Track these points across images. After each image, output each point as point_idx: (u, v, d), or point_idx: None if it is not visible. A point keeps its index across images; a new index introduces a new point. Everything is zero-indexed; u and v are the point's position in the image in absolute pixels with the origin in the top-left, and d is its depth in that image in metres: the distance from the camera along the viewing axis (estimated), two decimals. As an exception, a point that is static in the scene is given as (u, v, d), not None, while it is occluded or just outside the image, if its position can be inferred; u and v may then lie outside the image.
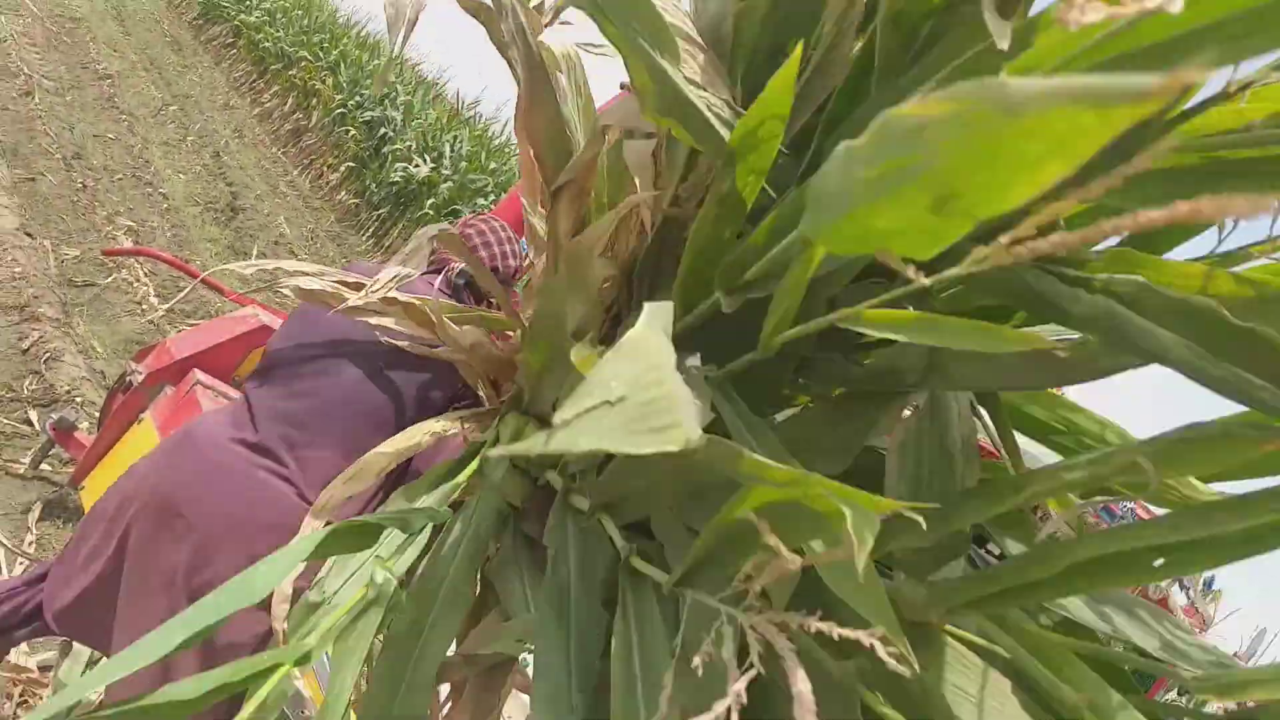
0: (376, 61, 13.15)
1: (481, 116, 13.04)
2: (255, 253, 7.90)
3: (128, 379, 3.48)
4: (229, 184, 9.13)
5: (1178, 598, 3.43)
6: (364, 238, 11.32)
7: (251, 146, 11.68)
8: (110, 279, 5.49)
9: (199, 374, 3.44)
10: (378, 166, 11.81)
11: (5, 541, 3.21)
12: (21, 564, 3.17)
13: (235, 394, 3.59)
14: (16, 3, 10.38)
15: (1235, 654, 3.79)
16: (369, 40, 13.95)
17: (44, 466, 3.58)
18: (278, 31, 13.49)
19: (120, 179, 7.28)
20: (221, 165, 9.55)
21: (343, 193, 11.98)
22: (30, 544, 3.27)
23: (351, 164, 12.01)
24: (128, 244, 5.99)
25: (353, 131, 12.10)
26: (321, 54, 13.12)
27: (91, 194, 6.53)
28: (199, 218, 7.75)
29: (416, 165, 11.39)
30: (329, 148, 12.52)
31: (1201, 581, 3.47)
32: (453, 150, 11.51)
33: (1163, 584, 3.03)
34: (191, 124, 10.23)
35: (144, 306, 5.36)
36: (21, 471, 3.54)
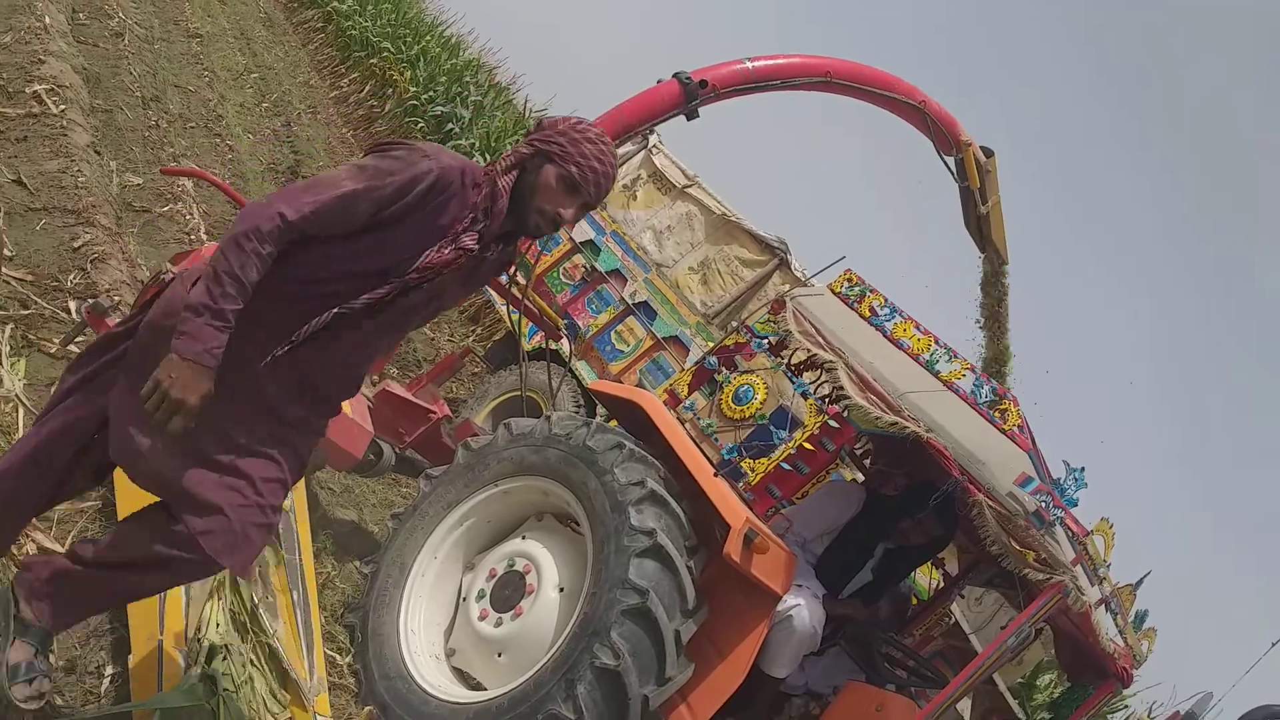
0: (454, 61, 13.63)
1: (546, 123, 13.40)
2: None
3: (162, 276, 3.77)
4: (294, 151, 9.55)
5: (1108, 629, 3.53)
6: (416, 223, 11.70)
7: (323, 124, 12.16)
8: (166, 208, 5.85)
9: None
10: (438, 155, 12.21)
11: (33, 409, 3.50)
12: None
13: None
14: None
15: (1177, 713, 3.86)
16: (452, 40, 14.46)
17: (72, 348, 3.88)
18: (366, 21, 14.03)
19: (192, 127, 7.70)
20: (290, 134, 9.98)
21: (403, 179, 12.39)
22: (49, 412, 3.56)
23: (414, 151, 12.43)
24: (189, 185, 6.37)
25: (421, 124, 12.54)
26: (404, 47, 13.62)
27: (163, 134, 6.94)
28: (260, 175, 8.14)
29: (476, 162, 11.79)
30: (397, 135, 12.97)
31: (1134, 614, 3.57)
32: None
33: (1087, 599, 3.15)
34: (269, 92, 10.72)
35: (192, 237, 5.70)
36: (53, 351, 3.84)
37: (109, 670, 2.76)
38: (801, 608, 3.58)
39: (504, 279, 4.57)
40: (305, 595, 3.42)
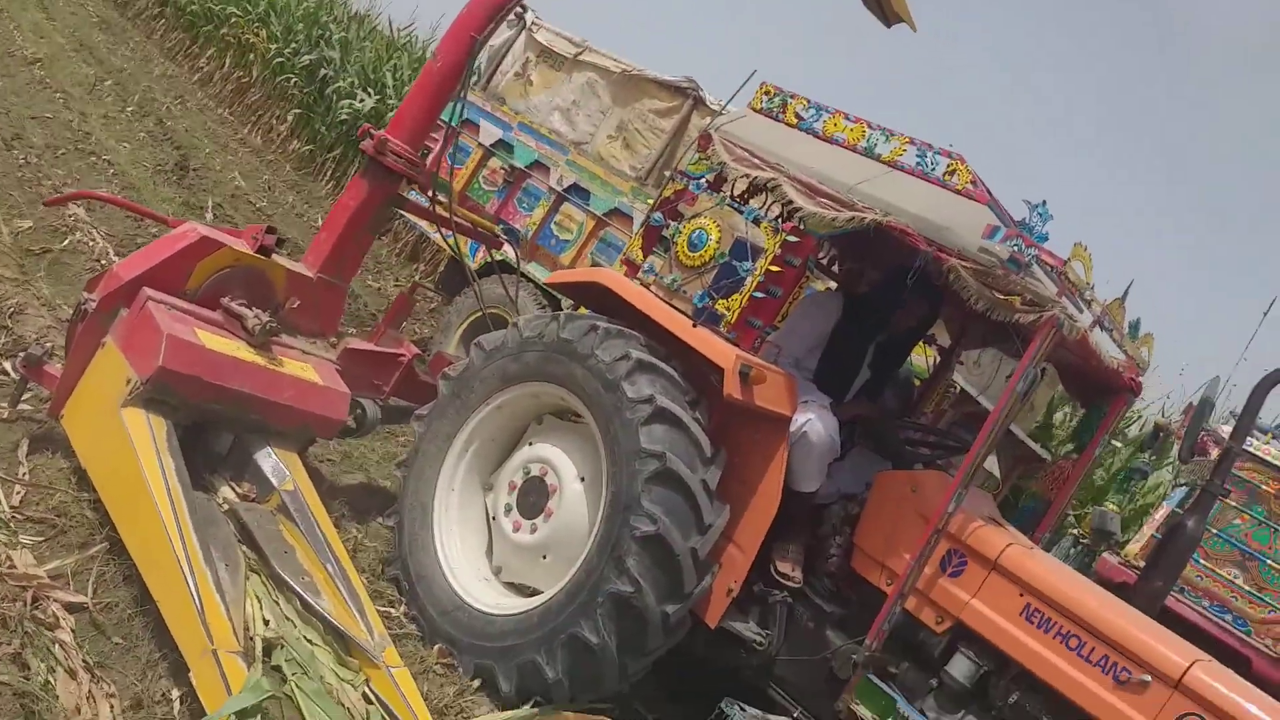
0: (306, 4, 12.94)
1: (418, 39, 12.86)
2: (210, 206, 7.97)
3: (83, 308, 3.63)
4: (176, 147, 9.12)
5: (1107, 347, 3.57)
6: (324, 182, 11.33)
7: (195, 111, 11.60)
8: (65, 243, 5.59)
9: (150, 291, 3.60)
10: (324, 109, 11.74)
11: (3, 475, 3.41)
12: (19, 493, 3.36)
13: (186, 305, 3.73)
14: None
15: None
16: (293, -16, 13.68)
17: (24, 406, 3.75)
18: (200, -7, 13.26)
19: (63, 154, 7.30)
20: (166, 130, 9.52)
21: (295, 141, 11.94)
22: (25, 474, 3.46)
23: (298, 111, 11.94)
24: (81, 212, 6.08)
25: (294, 79, 11.99)
26: (250, 7, 12.91)
27: (35, 169, 6.58)
28: (149, 180, 7.79)
29: (361, 100, 11.33)
30: (273, 100, 12.42)
31: (1127, 325, 3.61)
32: (394, 78, 11.42)
33: (1081, 324, 3.17)
34: (129, 95, 10.16)
35: (102, 262, 5.47)
36: (5, 415, 3.71)
37: (174, 694, 2.76)
38: (814, 420, 3.61)
39: (423, 201, 4.42)
40: (339, 564, 3.41)
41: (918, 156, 3.50)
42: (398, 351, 4.35)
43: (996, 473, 3.90)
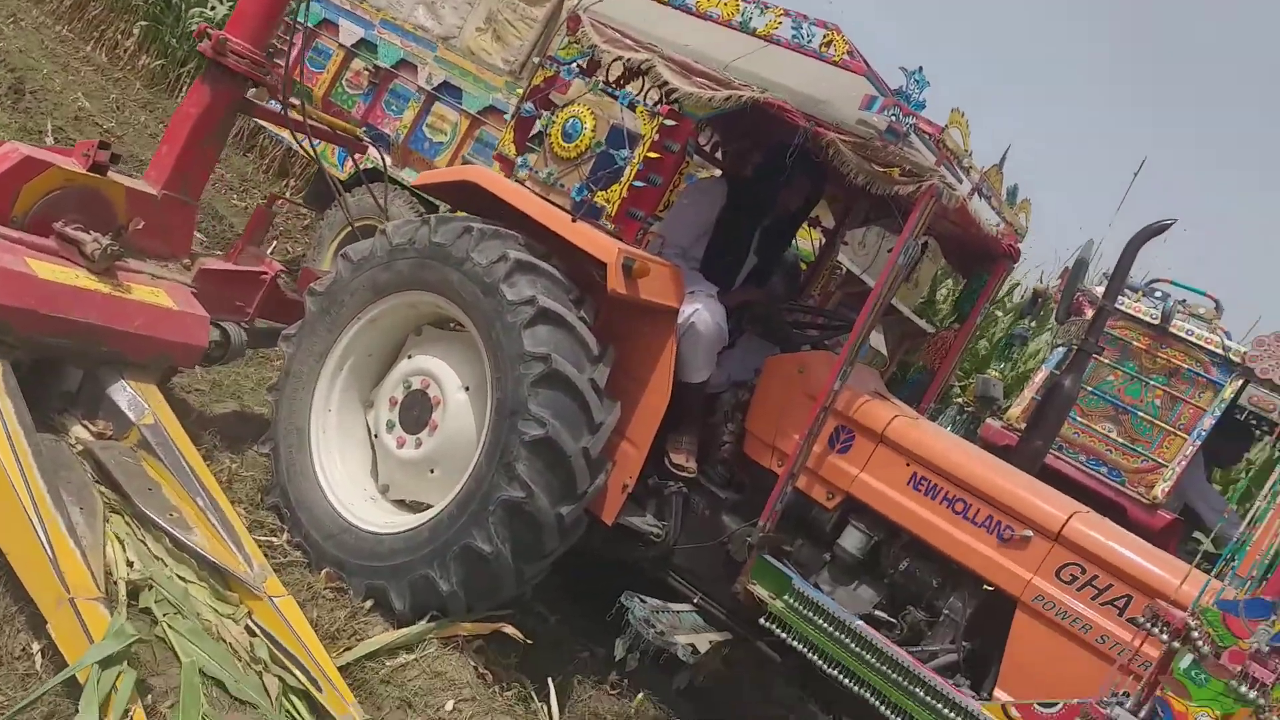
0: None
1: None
2: (50, 129, 7.35)
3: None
4: (10, 69, 8.34)
5: (986, 215, 3.57)
6: (179, 99, 10.57)
7: (31, 30, 10.61)
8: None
9: (-28, 219, 3.28)
10: (173, 20, 10.89)
11: None
12: None
13: (15, 234, 3.42)
14: None
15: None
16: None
17: None
18: (19, -105, 11.97)
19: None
20: (-1, 53, 8.69)
21: (144, 56, 11.07)
22: None
23: (145, 23, 11.05)
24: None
25: (141, -14, 11.05)
26: (78, -90, 11.75)
27: None
28: (-18, 105, 7.12)
29: (213, 8, 10.52)
30: (117, 13, 11.45)
31: (1005, 191, 3.61)
32: (246, -19, 10.61)
33: (959, 193, 3.14)
34: (-49, 17, 9.22)
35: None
36: None
37: (35, 648, 2.58)
38: (701, 310, 3.54)
39: (274, 105, 4.11)
40: (210, 497, 3.24)
41: (793, 29, 3.37)
42: (259, 270, 4.08)
43: (884, 350, 3.92)
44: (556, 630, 4.01)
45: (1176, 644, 2.47)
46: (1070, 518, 3.01)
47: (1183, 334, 4.99)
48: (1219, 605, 2.44)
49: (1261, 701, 2.38)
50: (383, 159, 4.66)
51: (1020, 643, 3.00)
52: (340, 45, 6.34)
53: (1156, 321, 4.99)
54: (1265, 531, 2.49)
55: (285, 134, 6.32)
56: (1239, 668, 2.40)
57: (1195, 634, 2.45)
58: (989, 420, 5.28)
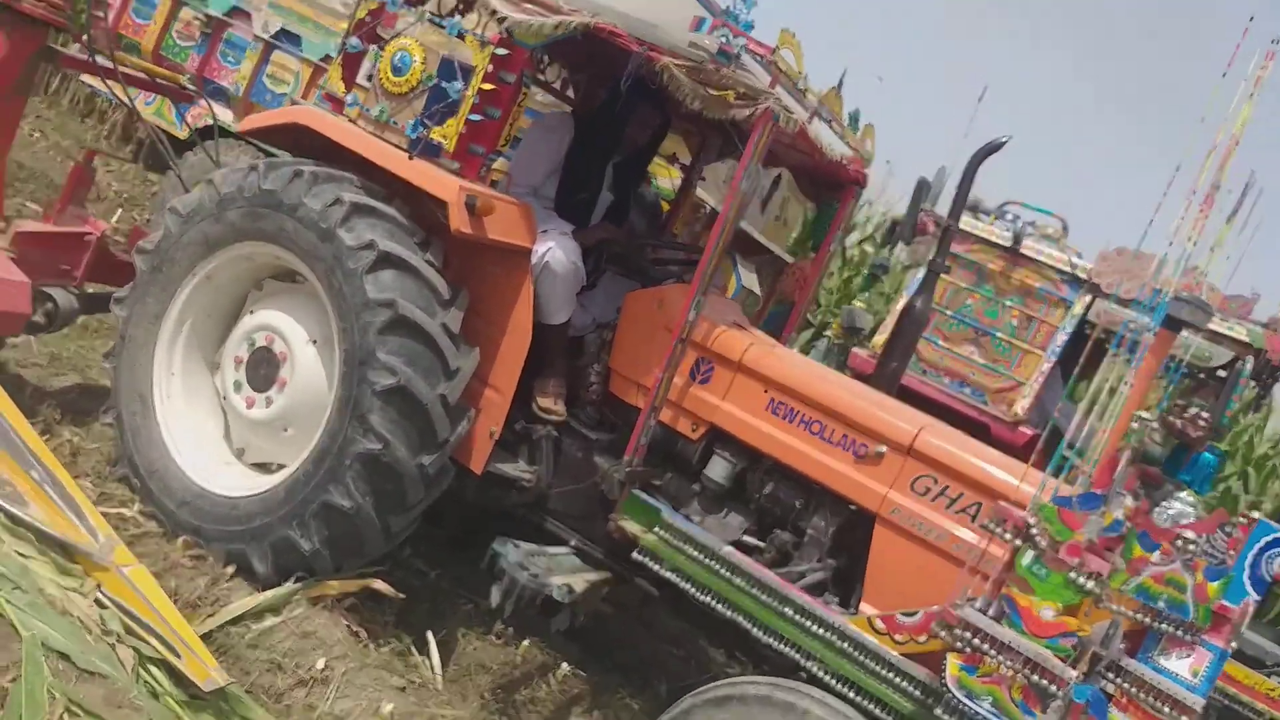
0: None
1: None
2: None
3: None
4: None
5: (828, 139, 3.60)
6: None
7: None
8: None
9: None
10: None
11: None
12: None
13: None
14: None
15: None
16: None
17: None
18: None
19: None
20: None
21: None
22: None
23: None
24: None
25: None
26: None
27: None
28: None
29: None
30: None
31: (846, 116, 3.65)
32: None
33: (798, 116, 3.15)
34: None
35: None
36: None
37: None
38: (554, 249, 3.48)
39: (87, 56, 3.81)
40: (47, 469, 3.07)
41: (627, -45, 3.30)
42: (82, 230, 3.82)
43: (757, 290, 3.94)
44: (436, 585, 3.96)
45: (1018, 542, 2.57)
46: (920, 431, 3.10)
47: (1033, 254, 5.19)
48: (1055, 501, 2.56)
49: (1098, 591, 2.51)
50: (211, 110, 4.40)
51: (882, 556, 3.08)
52: (167, -6, 5.97)
53: (1008, 244, 5.17)
54: (1104, 430, 2.61)
55: (97, 83, 5.92)
56: (1076, 560, 2.52)
57: (1034, 530, 2.56)
58: (855, 349, 5.41)
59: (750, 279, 3.98)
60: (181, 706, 2.75)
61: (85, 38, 3.62)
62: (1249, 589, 2.51)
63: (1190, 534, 2.51)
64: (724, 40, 2.99)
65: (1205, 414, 4.54)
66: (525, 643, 3.80)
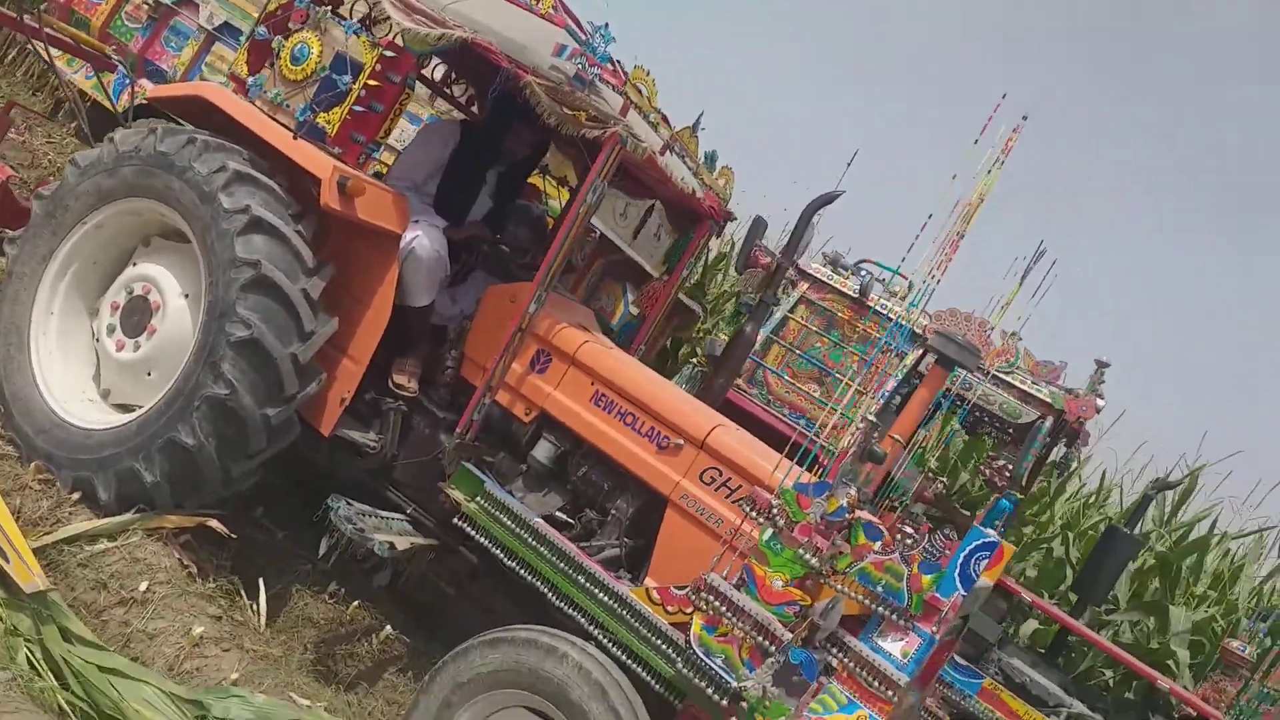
0: None
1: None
2: None
3: None
4: None
5: (680, 173, 3.99)
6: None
7: None
8: None
9: None
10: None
11: None
12: None
13: None
14: None
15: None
16: None
17: None
18: None
19: None
20: None
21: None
22: None
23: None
24: None
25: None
26: None
27: None
28: None
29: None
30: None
31: (702, 155, 4.05)
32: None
33: (646, 145, 3.54)
34: None
35: None
36: None
37: None
38: (421, 237, 3.81)
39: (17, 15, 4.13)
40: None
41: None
42: (-13, 174, 4.10)
43: (629, 305, 4.30)
44: (281, 545, 4.18)
45: (762, 520, 2.94)
46: (713, 429, 3.46)
47: (878, 307, 5.65)
48: (796, 488, 2.93)
49: (820, 567, 2.87)
50: (131, 84, 4.71)
51: (669, 537, 3.42)
52: (118, -24, 6.29)
53: (855, 294, 5.65)
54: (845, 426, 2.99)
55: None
56: (806, 539, 2.88)
57: (775, 511, 2.92)
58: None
59: (614, 289, 4.35)
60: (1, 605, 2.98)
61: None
62: (958, 585, 2.89)
63: (909, 529, 2.89)
64: (580, 67, 3.39)
65: (1010, 466, 4.99)
66: (355, 604, 4.04)
